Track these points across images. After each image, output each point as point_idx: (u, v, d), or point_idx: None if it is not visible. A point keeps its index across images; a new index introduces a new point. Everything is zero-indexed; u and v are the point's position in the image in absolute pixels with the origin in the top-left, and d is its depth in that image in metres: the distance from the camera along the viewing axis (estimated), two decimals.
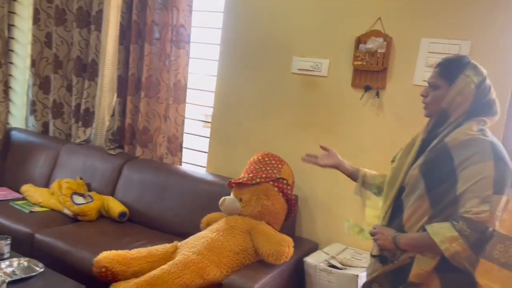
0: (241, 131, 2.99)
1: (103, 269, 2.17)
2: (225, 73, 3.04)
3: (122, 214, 2.95)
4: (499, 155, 1.49)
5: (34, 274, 2.09)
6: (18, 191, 3.32)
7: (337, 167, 1.96)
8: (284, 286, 2.36)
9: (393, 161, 1.80)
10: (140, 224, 2.96)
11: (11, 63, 3.98)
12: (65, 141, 3.58)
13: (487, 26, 2.28)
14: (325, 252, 2.53)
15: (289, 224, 2.65)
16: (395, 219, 1.65)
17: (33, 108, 3.77)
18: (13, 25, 3.93)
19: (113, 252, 2.26)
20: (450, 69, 1.62)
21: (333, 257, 2.47)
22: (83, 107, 3.49)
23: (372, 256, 1.73)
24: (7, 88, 3.89)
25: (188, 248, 2.28)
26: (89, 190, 3.20)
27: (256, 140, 2.93)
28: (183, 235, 2.67)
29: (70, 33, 3.59)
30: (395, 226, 1.63)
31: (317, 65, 2.70)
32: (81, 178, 3.24)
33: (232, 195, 2.52)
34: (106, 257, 2.21)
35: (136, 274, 2.19)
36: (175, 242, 2.39)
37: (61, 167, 3.39)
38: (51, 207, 3.05)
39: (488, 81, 1.61)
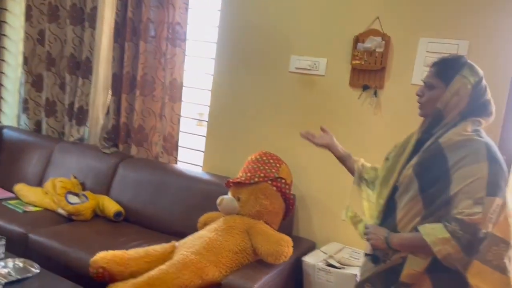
0: (238, 130, 2.97)
1: (100, 270, 2.15)
2: (222, 71, 3.02)
3: (117, 214, 2.92)
4: (493, 156, 1.48)
5: (30, 275, 2.05)
6: (10, 191, 3.27)
7: (329, 147, 1.96)
8: (283, 285, 2.35)
9: (387, 159, 1.79)
10: (135, 224, 2.93)
11: (3, 60, 3.93)
12: (59, 140, 3.53)
13: (485, 26, 2.28)
14: (323, 252, 2.52)
15: (287, 223, 2.64)
16: (388, 218, 1.64)
17: (25, 106, 3.71)
18: (5, 22, 3.88)
19: (110, 252, 2.23)
20: (447, 69, 1.60)
21: (331, 257, 2.46)
22: (76, 105, 3.45)
23: (364, 255, 1.72)
24: None
25: (186, 248, 2.26)
26: (83, 189, 3.16)
27: (253, 139, 2.91)
28: (179, 235, 2.65)
29: (63, 30, 3.54)
30: (388, 225, 1.62)
31: (315, 64, 2.69)
32: (75, 177, 3.20)
33: (230, 195, 2.51)
34: (103, 257, 2.19)
35: (133, 275, 2.16)
36: (172, 242, 2.37)
37: (55, 166, 3.35)
38: (45, 206, 3.01)
39: (484, 82, 1.60)
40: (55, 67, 3.58)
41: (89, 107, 3.45)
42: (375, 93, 2.53)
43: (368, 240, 1.66)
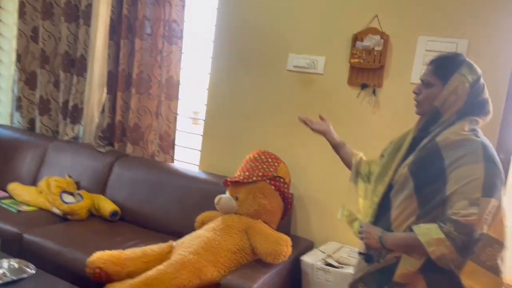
0: (235, 129, 2.95)
1: (97, 270, 2.12)
2: (219, 70, 3.00)
3: (113, 213, 2.88)
4: (490, 156, 1.47)
5: (25, 276, 2.02)
6: (4, 190, 3.22)
7: (325, 134, 1.95)
8: (282, 285, 2.33)
9: (382, 155, 1.77)
10: (132, 223, 2.90)
11: None
12: (53, 138, 3.49)
13: (485, 25, 2.28)
14: (321, 251, 2.51)
15: (284, 223, 2.62)
16: (383, 217, 1.63)
17: (18, 104, 3.67)
18: None
19: (107, 252, 2.20)
20: (445, 67, 1.59)
21: (329, 256, 2.45)
22: (71, 103, 3.41)
23: (358, 254, 1.71)
24: None
25: (184, 247, 2.23)
26: (78, 188, 3.12)
27: (250, 138, 2.89)
28: (176, 234, 2.63)
29: (57, 28, 3.50)
30: (382, 224, 1.61)
31: (313, 62, 2.67)
32: (70, 176, 3.16)
33: (227, 194, 2.49)
34: (100, 257, 2.16)
35: (131, 275, 2.14)
36: (170, 242, 2.35)
37: (49, 165, 3.31)
38: (40, 206, 2.97)
39: (482, 80, 1.58)
40: (49, 64, 3.54)
41: (84, 105, 3.41)
42: (374, 92, 2.52)
43: (362, 239, 1.65)
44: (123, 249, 2.33)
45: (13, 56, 3.69)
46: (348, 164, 1.94)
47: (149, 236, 2.69)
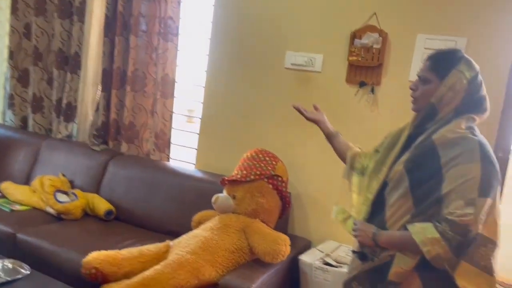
0: (232, 127, 2.93)
1: (93, 271, 2.09)
2: (215, 67, 2.97)
3: (108, 213, 2.85)
4: (487, 156, 1.45)
5: (20, 276, 1.98)
6: None
7: (319, 123, 1.92)
8: (280, 285, 2.31)
9: (377, 151, 1.75)
10: (127, 223, 2.87)
11: None
12: (46, 137, 3.44)
13: (484, 23, 2.27)
14: (319, 250, 2.49)
15: (282, 222, 2.60)
16: (377, 214, 1.61)
17: (11, 102, 3.61)
18: None
19: (103, 252, 2.17)
20: (443, 63, 1.55)
21: (327, 255, 2.43)
22: (65, 101, 3.36)
23: (352, 252, 1.69)
24: None
25: (181, 247, 2.20)
26: (72, 187, 3.08)
27: (247, 137, 2.87)
28: (172, 234, 2.61)
29: (50, 24, 3.45)
30: (377, 222, 1.59)
31: (311, 60, 2.65)
32: (63, 175, 3.12)
33: (225, 193, 2.46)
34: (96, 257, 2.13)
35: (127, 275, 2.11)
36: (167, 241, 2.31)
37: (42, 163, 3.26)
38: (33, 205, 2.93)
39: (480, 77, 1.55)
40: (42, 61, 3.49)
41: (77, 103, 3.37)
42: (372, 90, 2.51)
43: (355, 236, 1.63)
44: (119, 249, 2.30)
45: (5, 53, 3.62)
46: (341, 155, 1.90)
47: (145, 236, 2.66)
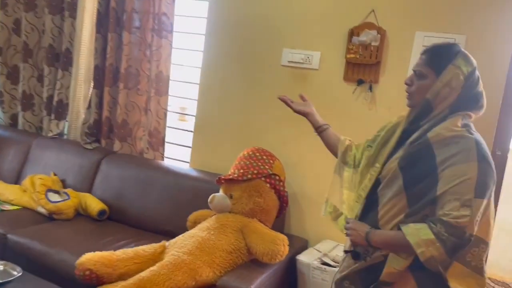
0: (227, 125, 2.89)
1: (87, 272, 2.04)
2: (210, 64, 2.92)
3: (101, 212, 2.79)
4: (483, 155, 1.42)
5: (11, 278, 1.93)
6: None
7: (308, 116, 1.84)
8: (278, 285, 2.28)
9: (369, 146, 1.72)
10: (120, 223, 2.81)
11: None
12: (37, 135, 3.37)
13: (483, 21, 2.25)
14: (317, 250, 2.47)
15: (278, 221, 2.57)
16: (370, 212, 1.57)
17: (0, 99, 3.53)
18: None
19: (97, 253, 2.12)
20: (439, 57, 1.51)
21: (325, 255, 2.41)
22: (56, 98, 3.30)
23: (344, 252, 1.66)
24: None
25: (177, 248, 2.16)
26: (64, 186, 3.02)
27: (243, 135, 2.83)
28: (167, 234, 2.58)
29: (41, 20, 3.38)
30: (369, 220, 1.56)
31: (308, 57, 2.62)
32: (55, 174, 3.05)
33: (221, 192, 2.42)
34: (90, 259, 2.08)
35: (122, 277, 2.07)
36: (163, 242, 2.27)
37: (33, 162, 3.19)
38: (24, 205, 2.86)
39: (477, 73, 1.51)
40: (32, 58, 3.42)
41: (69, 101, 3.30)
42: (370, 88, 2.48)
43: (347, 235, 1.59)
44: (114, 249, 2.25)
45: None
46: (331, 149, 1.86)
47: (139, 236, 2.62)
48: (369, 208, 1.58)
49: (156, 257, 2.17)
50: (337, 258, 2.37)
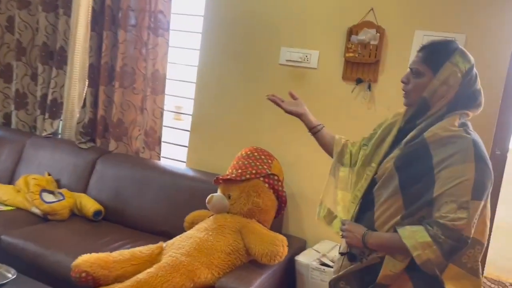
0: (224, 125, 2.86)
1: (83, 274, 2.01)
2: (207, 63, 2.89)
3: (97, 213, 2.75)
4: (481, 156, 1.39)
5: (5, 281, 1.89)
6: None
7: (300, 116, 1.79)
8: (277, 286, 2.26)
9: (365, 145, 1.69)
10: (116, 223, 2.77)
11: None
12: (30, 134, 3.33)
13: (483, 20, 2.24)
14: (315, 250, 2.45)
15: (276, 221, 2.54)
16: (366, 213, 1.55)
17: None
18: None
19: (93, 255, 2.09)
20: (436, 55, 1.48)
21: (324, 255, 2.39)
22: (50, 97, 3.25)
23: (340, 254, 1.63)
24: None
25: (175, 249, 2.13)
26: (59, 187, 2.98)
27: (240, 135, 2.80)
28: (164, 234, 2.55)
29: (35, 17, 3.33)
30: (365, 221, 1.54)
31: (306, 56, 2.60)
32: (49, 174, 3.01)
33: (219, 192, 2.39)
34: (86, 260, 2.04)
35: (119, 279, 2.04)
36: (160, 243, 2.24)
37: (27, 162, 3.15)
38: (18, 205, 2.82)
39: (475, 70, 1.48)
40: (25, 56, 3.37)
41: (63, 100, 3.25)
42: (369, 87, 2.46)
43: (343, 237, 1.57)
44: (110, 250, 2.22)
45: None
46: (327, 149, 1.84)
47: (135, 237, 2.58)
48: (365, 209, 1.56)
49: (153, 259, 2.14)
50: (335, 258, 2.35)
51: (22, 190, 2.86)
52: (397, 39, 2.41)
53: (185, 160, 3.04)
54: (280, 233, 2.47)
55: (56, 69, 3.22)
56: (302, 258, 2.35)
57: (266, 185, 2.33)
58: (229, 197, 2.34)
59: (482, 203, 1.37)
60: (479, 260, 1.45)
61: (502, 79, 2.23)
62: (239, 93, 2.80)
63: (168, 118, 3.21)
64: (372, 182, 1.55)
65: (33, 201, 2.74)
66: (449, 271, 1.41)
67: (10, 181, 3.12)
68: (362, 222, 1.55)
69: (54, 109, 3.27)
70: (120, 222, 2.78)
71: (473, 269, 1.44)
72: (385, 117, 2.43)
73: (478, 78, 1.50)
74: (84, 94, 3.18)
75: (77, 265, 2.03)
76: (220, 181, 2.38)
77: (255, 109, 2.77)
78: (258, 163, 2.38)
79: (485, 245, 1.46)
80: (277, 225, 2.57)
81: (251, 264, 2.18)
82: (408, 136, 1.49)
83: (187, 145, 3.03)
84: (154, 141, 3.04)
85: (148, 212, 2.73)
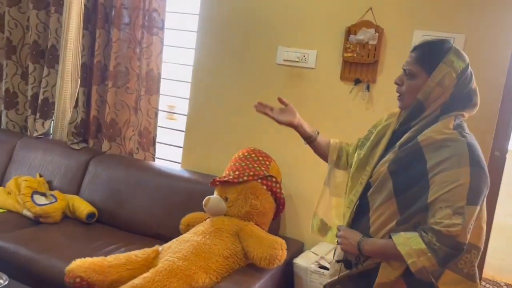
0: (220, 125, 2.81)
1: (78, 280, 1.95)
2: (202, 62, 2.85)
3: (90, 215, 2.70)
4: (476, 159, 1.36)
5: None
6: None
7: (296, 128, 1.72)
8: None
9: (359, 148, 1.66)
10: (110, 226, 2.72)
11: None
12: (21, 135, 3.26)
13: (482, 20, 2.22)
14: (313, 253, 2.42)
15: (273, 224, 2.50)
16: (361, 218, 1.53)
17: None
18: None
19: (88, 259, 2.03)
20: (430, 55, 1.44)
21: (322, 258, 2.36)
22: (41, 97, 3.18)
23: (336, 261, 1.60)
24: None
25: (171, 253, 2.09)
26: (51, 188, 2.92)
27: (236, 135, 2.76)
28: (159, 237, 2.51)
29: (25, 15, 3.25)
30: (361, 226, 1.51)
31: (304, 56, 2.56)
32: (40, 176, 2.94)
33: (216, 194, 2.35)
34: (81, 265, 1.99)
35: (114, 284, 1.99)
36: (156, 246, 2.19)
37: (17, 163, 3.08)
38: (8, 208, 2.75)
39: (470, 69, 1.45)
40: (16, 55, 3.29)
41: (55, 99, 3.19)
42: (368, 88, 2.44)
43: (338, 243, 1.54)
44: (104, 254, 2.18)
45: None
46: (323, 157, 1.80)
47: (130, 240, 2.54)
48: (361, 214, 1.53)
49: (149, 263, 2.10)
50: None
51: (13, 192, 2.80)
52: (396, 39, 2.38)
53: (179, 161, 2.99)
54: (277, 235, 2.44)
55: (47, 68, 3.15)
56: (301, 261, 2.32)
57: (264, 187, 2.30)
58: (226, 200, 2.30)
59: (478, 208, 1.34)
60: (476, 265, 1.43)
61: (502, 79, 2.21)
62: (235, 93, 2.76)
63: (160, 118, 3.15)
64: (367, 187, 1.53)
65: (25, 204, 2.68)
66: (445, 277, 1.39)
67: (0, 183, 3.06)
68: (357, 227, 1.52)
69: (46, 109, 3.20)
70: (114, 224, 2.72)
71: (469, 274, 1.42)
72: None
73: (474, 77, 1.46)
74: (77, 94, 3.11)
75: (71, 270, 1.98)
76: (217, 183, 2.33)
77: (252, 109, 2.69)
78: (255, 165, 2.34)
79: (482, 249, 1.44)
80: (275, 227, 2.54)
81: (249, 268, 2.14)
82: (402, 139, 1.46)
83: (181, 145, 2.98)
84: (148, 141, 2.99)
85: (142, 215, 2.68)
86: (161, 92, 2.98)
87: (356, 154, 1.66)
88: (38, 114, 3.20)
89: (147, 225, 2.65)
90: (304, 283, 2.28)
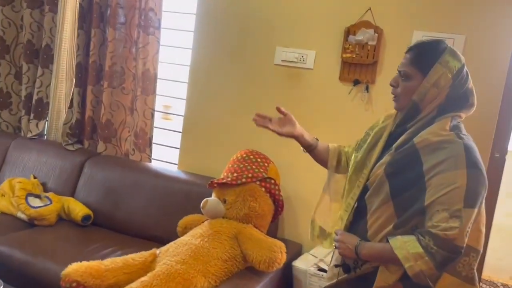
0: (218, 126, 2.79)
1: (74, 284, 1.92)
2: (199, 62, 2.82)
3: (86, 217, 2.66)
4: (473, 161, 1.34)
5: None
6: None
7: (297, 138, 1.70)
8: None
9: (357, 151, 1.64)
10: (106, 228, 2.69)
11: None
12: (15, 136, 3.21)
13: (482, 20, 2.21)
14: (312, 255, 2.40)
15: (272, 226, 2.47)
16: (359, 221, 1.51)
17: None
18: None
19: (84, 263, 2.00)
20: (425, 56, 1.42)
21: (321, 260, 2.34)
22: (35, 97, 3.14)
23: (335, 266, 1.58)
24: None
25: (170, 256, 2.05)
26: (45, 190, 2.87)
27: (234, 137, 2.73)
28: (156, 239, 2.48)
29: (19, 14, 3.21)
30: (359, 229, 1.50)
31: (302, 56, 2.54)
32: (35, 177, 2.90)
33: (213, 196, 2.32)
34: (77, 269, 1.96)
35: None
36: (153, 250, 2.16)
37: (11, 165, 3.03)
38: (2, 210, 2.71)
39: (466, 69, 1.43)
40: (9, 54, 3.25)
41: (49, 100, 3.14)
42: (367, 88, 2.42)
43: (336, 248, 1.53)
44: (100, 257, 2.15)
45: None
46: (322, 164, 1.79)
47: (126, 242, 2.51)
48: (358, 217, 1.52)
49: (147, 267, 2.06)
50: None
51: (7, 194, 2.75)
52: (396, 39, 2.36)
53: (176, 162, 2.96)
54: (276, 237, 2.41)
55: (41, 68, 3.11)
56: (299, 263, 2.30)
57: (263, 189, 2.27)
58: (224, 202, 2.27)
59: (475, 210, 1.33)
60: (475, 267, 1.41)
61: (502, 80, 2.20)
62: (233, 94, 2.74)
63: (156, 118, 3.12)
64: (365, 189, 1.51)
65: (19, 206, 2.63)
66: (443, 281, 1.38)
67: None
68: (355, 231, 1.51)
69: (40, 109, 3.16)
70: (110, 227, 2.69)
71: (468, 277, 1.40)
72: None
73: (470, 77, 1.45)
74: (71, 94, 3.07)
75: (67, 274, 1.94)
76: (215, 185, 2.30)
77: (250, 110, 2.67)
78: (254, 167, 2.32)
79: (481, 252, 1.42)
80: (273, 229, 2.51)
81: (248, 271, 2.12)
82: (399, 141, 1.45)
83: (178, 146, 2.95)
84: (144, 142, 2.95)
85: (139, 217, 2.65)
86: (157, 92, 2.94)
87: (353, 157, 1.64)
88: (32, 115, 3.16)
89: (144, 228, 2.62)
90: (303, 285, 2.26)
